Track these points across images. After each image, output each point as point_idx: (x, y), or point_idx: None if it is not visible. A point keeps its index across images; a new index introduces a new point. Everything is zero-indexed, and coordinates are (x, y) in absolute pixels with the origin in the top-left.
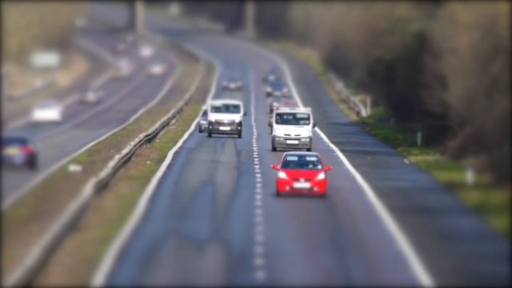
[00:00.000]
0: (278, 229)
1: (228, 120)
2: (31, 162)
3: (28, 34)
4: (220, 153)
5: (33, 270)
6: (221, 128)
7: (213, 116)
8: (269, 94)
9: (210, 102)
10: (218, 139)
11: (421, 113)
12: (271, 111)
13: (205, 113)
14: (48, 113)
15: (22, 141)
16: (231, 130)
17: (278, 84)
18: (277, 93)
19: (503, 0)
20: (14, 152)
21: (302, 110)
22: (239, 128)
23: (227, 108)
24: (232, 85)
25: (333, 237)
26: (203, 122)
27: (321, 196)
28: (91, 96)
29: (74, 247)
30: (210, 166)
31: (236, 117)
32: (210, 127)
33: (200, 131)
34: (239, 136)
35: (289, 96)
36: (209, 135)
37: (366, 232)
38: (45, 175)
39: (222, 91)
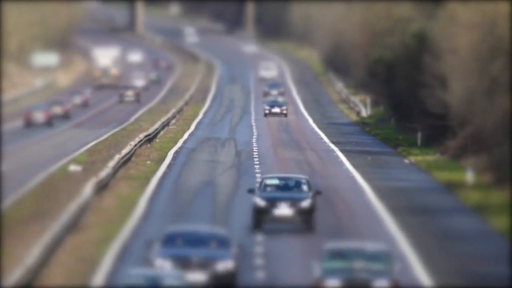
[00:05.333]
0: (278, 229)
1: None
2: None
3: (28, 34)
4: (220, 153)
5: (33, 270)
6: None
7: None
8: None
9: None
10: (218, 139)
11: (421, 113)
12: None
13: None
14: (136, 56)
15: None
16: None
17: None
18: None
19: (503, 0)
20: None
21: None
22: None
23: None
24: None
25: (333, 237)
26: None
27: None
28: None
29: (74, 247)
30: (210, 166)
31: None
32: None
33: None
34: None
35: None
36: None
37: (366, 232)
38: (45, 175)
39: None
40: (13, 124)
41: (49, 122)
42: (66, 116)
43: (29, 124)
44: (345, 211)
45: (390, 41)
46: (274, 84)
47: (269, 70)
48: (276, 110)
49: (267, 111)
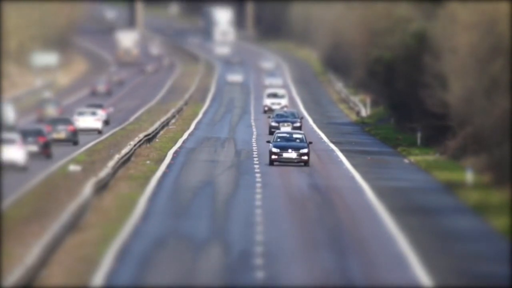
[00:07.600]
0: (277, 229)
1: None
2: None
3: (28, 34)
4: (220, 153)
5: (33, 270)
6: None
7: None
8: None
9: None
10: (217, 139)
11: (421, 113)
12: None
13: None
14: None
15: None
16: None
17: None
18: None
19: (503, 0)
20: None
21: None
22: None
23: None
24: None
25: (333, 237)
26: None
27: None
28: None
29: (74, 247)
30: (210, 166)
31: None
32: None
33: None
34: None
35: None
36: None
37: (366, 232)
38: (45, 175)
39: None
40: (81, 94)
41: (109, 92)
42: (120, 83)
43: (94, 93)
44: (345, 211)
45: (390, 41)
46: (284, 115)
47: (278, 98)
48: (291, 155)
49: (275, 156)
